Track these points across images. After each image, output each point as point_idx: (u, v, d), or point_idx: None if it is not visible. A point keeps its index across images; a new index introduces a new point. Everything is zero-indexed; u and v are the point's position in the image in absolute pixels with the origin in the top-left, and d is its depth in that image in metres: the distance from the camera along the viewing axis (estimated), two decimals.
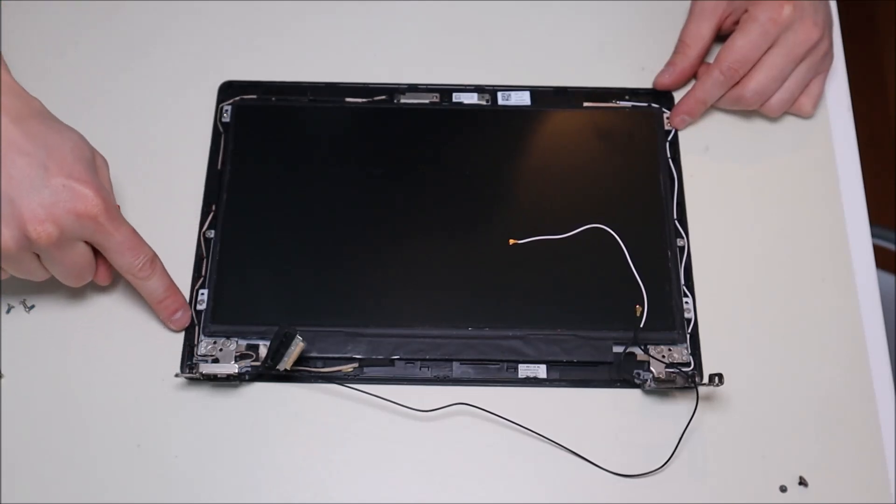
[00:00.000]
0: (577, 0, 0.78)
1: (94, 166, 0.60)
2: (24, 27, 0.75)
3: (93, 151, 0.61)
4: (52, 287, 0.65)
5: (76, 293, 0.65)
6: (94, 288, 0.65)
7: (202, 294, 0.65)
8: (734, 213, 0.70)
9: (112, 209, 0.58)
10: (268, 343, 0.61)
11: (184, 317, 0.63)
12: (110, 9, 0.76)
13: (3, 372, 0.63)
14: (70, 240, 0.58)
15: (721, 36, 0.73)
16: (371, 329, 0.64)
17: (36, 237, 0.56)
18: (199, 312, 0.64)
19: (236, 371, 0.61)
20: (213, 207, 0.68)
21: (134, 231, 0.60)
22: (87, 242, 0.59)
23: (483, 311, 0.64)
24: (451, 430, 0.62)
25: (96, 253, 0.61)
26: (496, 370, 0.64)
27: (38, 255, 0.58)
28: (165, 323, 0.64)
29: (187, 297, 0.65)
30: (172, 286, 0.63)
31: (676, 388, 0.62)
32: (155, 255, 0.62)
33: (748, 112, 0.73)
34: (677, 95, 0.73)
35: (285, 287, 0.65)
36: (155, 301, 0.63)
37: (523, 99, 0.73)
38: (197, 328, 0.64)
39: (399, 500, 0.60)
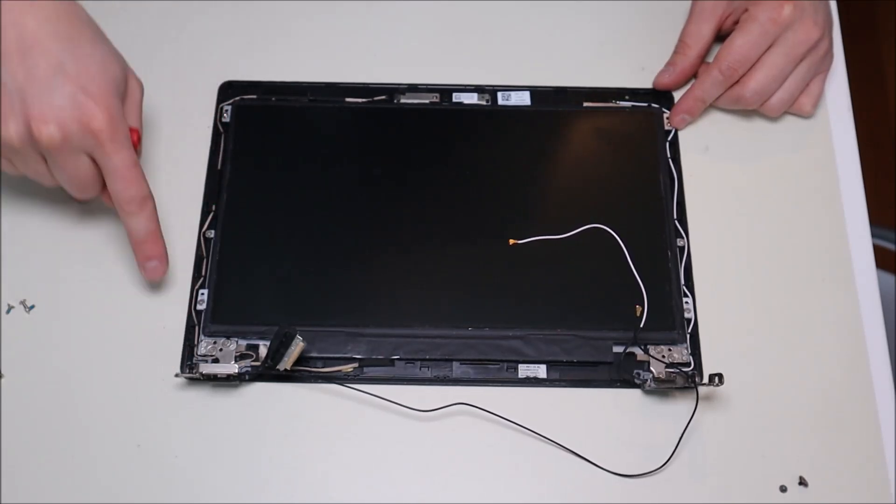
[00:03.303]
0: (577, 0, 0.78)
1: (120, 85, 0.60)
2: None
3: (125, 72, 0.61)
4: (52, 287, 0.65)
5: (75, 293, 0.65)
6: (94, 287, 0.65)
7: (202, 294, 0.65)
8: (734, 213, 0.70)
9: (118, 131, 0.58)
10: (268, 343, 0.62)
11: (158, 268, 0.63)
12: (110, 9, 0.75)
13: (3, 372, 0.63)
14: (73, 148, 0.58)
15: (721, 36, 0.73)
16: (371, 329, 0.64)
17: (38, 136, 0.56)
18: (199, 312, 0.64)
19: (236, 371, 0.61)
20: (213, 207, 0.68)
21: (135, 162, 0.60)
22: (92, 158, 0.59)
23: (483, 311, 0.64)
24: (451, 430, 0.62)
25: None
26: (496, 370, 0.64)
27: (45, 159, 0.59)
28: (139, 268, 0.63)
29: (187, 297, 0.65)
30: (157, 233, 0.62)
31: (676, 388, 0.62)
32: (149, 196, 0.61)
33: (748, 112, 0.73)
34: (677, 95, 0.73)
35: (285, 287, 0.65)
36: (134, 240, 0.62)
37: (523, 99, 0.73)
38: (197, 328, 0.64)
39: (399, 500, 0.60)
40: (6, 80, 0.56)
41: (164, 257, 0.63)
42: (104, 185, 0.61)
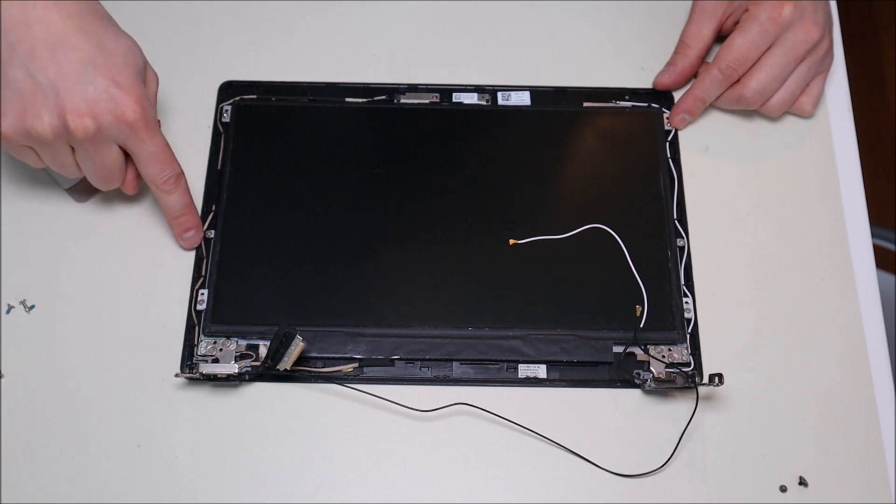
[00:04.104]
0: (577, 0, 0.78)
1: (142, 76, 0.62)
2: None
3: (145, 62, 0.63)
4: (52, 287, 0.65)
5: (75, 293, 0.65)
6: (94, 287, 0.66)
7: (202, 294, 0.65)
8: (734, 213, 0.70)
9: (150, 119, 0.61)
10: (268, 343, 0.62)
11: (195, 236, 0.66)
12: (110, 9, 0.75)
13: (3, 372, 0.63)
14: (105, 139, 0.60)
15: (722, 36, 0.73)
16: (371, 329, 0.64)
17: (73, 129, 0.58)
18: (199, 312, 0.64)
19: (236, 371, 0.61)
20: (213, 207, 0.68)
21: (166, 145, 0.62)
22: (120, 148, 0.62)
23: (483, 311, 0.64)
24: (451, 430, 0.62)
25: (128, 161, 0.63)
26: (496, 370, 0.64)
27: (73, 150, 0.61)
28: (177, 239, 0.66)
29: (187, 297, 0.65)
30: (191, 205, 0.65)
31: (676, 388, 0.62)
32: (181, 174, 0.64)
33: (748, 112, 0.73)
34: (677, 95, 0.73)
35: (285, 287, 0.65)
36: (172, 216, 0.65)
37: (523, 99, 0.73)
38: (197, 328, 0.64)
39: (399, 500, 0.60)
40: (37, 76, 0.58)
41: (200, 226, 0.66)
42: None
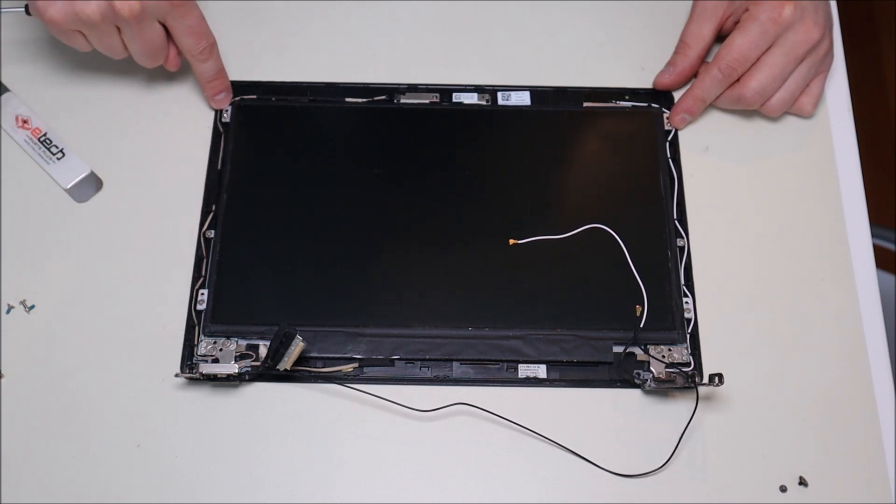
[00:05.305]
0: (577, 0, 0.78)
1: None
2: (27, 27, 0.75)
3: None
4: (52, 287, 0.65)
5: (75, 293, 0.65)
6: (94, 287, 0.66)
7: (202, 294, 0.65)
8: (734, 213, 0.70)
9: None
10: (268, 343, 0.62)
11: (226, 98, 0.72)
12: None
13: (3, 372, 0.63)
14: (149, 17, 0.65)
15: (722, 36, 0.73)
16: (371, 329, 0.64)
17: (120, 9, 0.63)
18: (199, 312, 0.65)
19: (236, 371, 0.61)
20: (213, 207, 0.68)
21: (202, 17, 0.68)
22: (162, 25, 0.66)
23: (483, 311, 0.64)
24: (451, 430, 0.62)
25: (168, 39, 0.68)
26: (496, 370, 0.64)
27: (118, 31, 0.65)
28: (209, 101, 0.72)
29: (187, 297, 0.65)
30: (223, 71, 0.71)
31: (676, 388, 0.62)
32: (215, 42, 0.69)
33: (748, 112, 0.73)
34: (677, 95, 0.73)
35: (285, 287, 0.65)
36: (206, 80, 0.70)
37: (523, 99, 0.73)
38: (197, 328, 0.64)
39: (399, 500, 0.60)
40: None
41: (230, 89, 0.72)
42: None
